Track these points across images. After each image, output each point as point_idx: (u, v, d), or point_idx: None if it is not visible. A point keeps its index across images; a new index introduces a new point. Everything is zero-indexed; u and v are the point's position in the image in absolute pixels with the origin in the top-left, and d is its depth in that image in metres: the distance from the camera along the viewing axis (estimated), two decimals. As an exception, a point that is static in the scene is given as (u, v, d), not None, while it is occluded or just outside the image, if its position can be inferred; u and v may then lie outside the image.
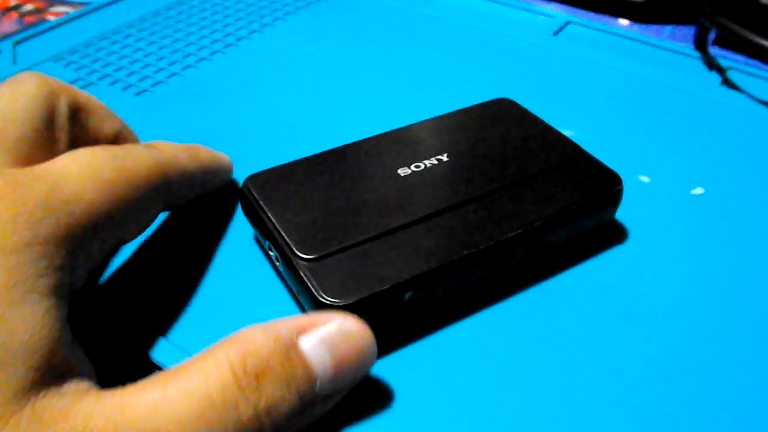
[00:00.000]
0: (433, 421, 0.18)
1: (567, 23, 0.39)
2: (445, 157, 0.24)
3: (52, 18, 0.41)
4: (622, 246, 0.23)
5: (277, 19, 0.39)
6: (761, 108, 0.32)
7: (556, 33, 0.38)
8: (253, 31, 0.38)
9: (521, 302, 0.21)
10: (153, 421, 0.14)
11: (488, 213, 0.21)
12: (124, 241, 0.19)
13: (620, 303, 0.21)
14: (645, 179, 0.26)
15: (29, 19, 0.41)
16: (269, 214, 0.21)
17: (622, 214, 0.24)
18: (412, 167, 0.23)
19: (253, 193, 0.22)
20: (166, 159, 0.20)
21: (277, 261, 0.21)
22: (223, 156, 0.24)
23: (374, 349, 0.17)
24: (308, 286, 0.19)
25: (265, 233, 0.21)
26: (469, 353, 0.19)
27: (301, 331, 0.16)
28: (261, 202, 0.21)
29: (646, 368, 0.19)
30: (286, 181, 0.22)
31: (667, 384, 0.19)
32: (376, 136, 0.25)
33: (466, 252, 0.20)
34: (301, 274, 0.19)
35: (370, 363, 0.17)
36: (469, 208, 0.21)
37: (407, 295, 0.19)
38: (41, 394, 0.14)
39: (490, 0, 0.41)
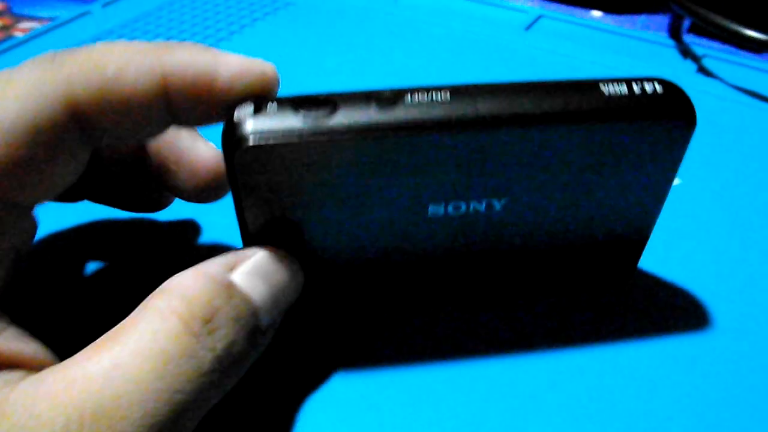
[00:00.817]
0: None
1: (539, 17, 0.39)
2: (497, 204, 0.16)
3: (19, 34, 0.40)
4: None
5: (256, 20, 0.39)
6: (738, 94, 0.31)
7: (528, 28, 0.37)
8: (233, 33, 0.37)
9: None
10: (109, 389, 0.13)
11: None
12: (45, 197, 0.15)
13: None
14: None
15: (-4, 36, 0.40)
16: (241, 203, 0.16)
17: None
18: (450, 208, 0.16)
19: (239, 170, 0.15)
20: (79, 72, 0.14)
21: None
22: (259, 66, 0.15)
23: (300, 270, 0.17)
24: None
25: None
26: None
27: (231, 267, 0.16)
28: (240, 182, 0.15)
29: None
30: (286, 163, 0.15)
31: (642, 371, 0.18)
32: (441, 118, 0.14)
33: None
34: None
35: (300, 285, 0.17)
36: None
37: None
38: None
39: (462, -3, 0.41)
